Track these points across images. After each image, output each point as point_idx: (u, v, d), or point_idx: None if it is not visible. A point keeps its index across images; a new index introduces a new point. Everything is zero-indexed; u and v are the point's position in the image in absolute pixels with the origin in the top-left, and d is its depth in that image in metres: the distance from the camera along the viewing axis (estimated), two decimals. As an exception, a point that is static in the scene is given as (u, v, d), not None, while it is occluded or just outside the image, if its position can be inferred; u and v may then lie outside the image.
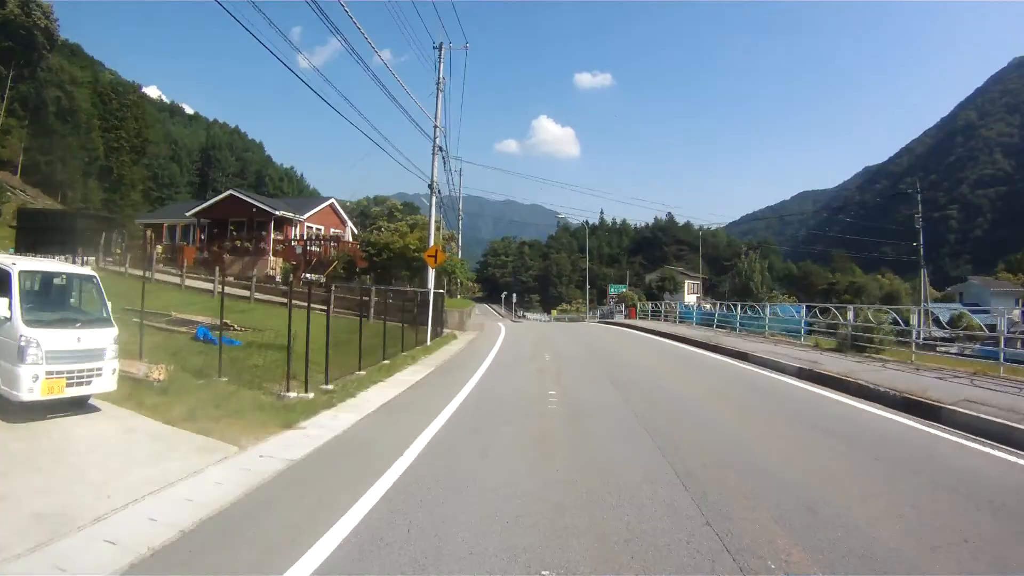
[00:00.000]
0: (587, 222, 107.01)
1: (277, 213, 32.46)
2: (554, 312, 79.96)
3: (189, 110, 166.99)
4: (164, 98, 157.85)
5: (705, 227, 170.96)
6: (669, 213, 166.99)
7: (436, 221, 29.43)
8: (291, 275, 27.75)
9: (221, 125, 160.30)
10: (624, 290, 57.02)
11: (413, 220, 59.36)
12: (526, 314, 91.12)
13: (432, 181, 25.77)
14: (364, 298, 16.97)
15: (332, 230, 37.65)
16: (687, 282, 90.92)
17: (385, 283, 28.14)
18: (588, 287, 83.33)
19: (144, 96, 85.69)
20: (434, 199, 27.29)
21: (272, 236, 31.98)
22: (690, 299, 68.83)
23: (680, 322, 34.24)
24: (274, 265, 29.97)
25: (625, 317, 44.42)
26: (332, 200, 39.90)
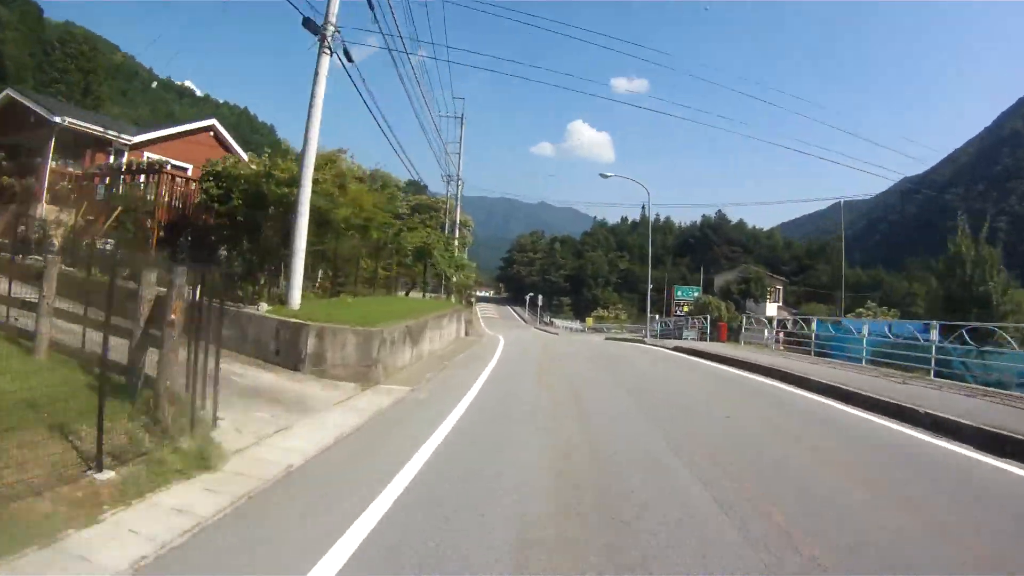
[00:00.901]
0: (645, 211, 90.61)
1: (60, 121, 17.25)
2: (589, 320, 63.84)
3: (198, 92, 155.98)
4: (173, 79, 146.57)
5: (758, 228, 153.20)
6: (719, 211, 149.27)
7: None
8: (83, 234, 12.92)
9: (231, 107, 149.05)
10: (696, 294, 40.41)
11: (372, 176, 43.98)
12: (554, 320, 75.11)
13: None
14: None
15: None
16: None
17: (264, 254, 13.02)
18: (641, 293, 67.65)
19: (98, 50, 71.51)
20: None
21: (50, 166, 16.86)
22: (771, 310, 51.96)
23: (819, 355, 18.44)
24: (53, 216, 14.90)
25: (703, 337, 27.99)
26: (213, 123, 24.66)
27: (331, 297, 16.72)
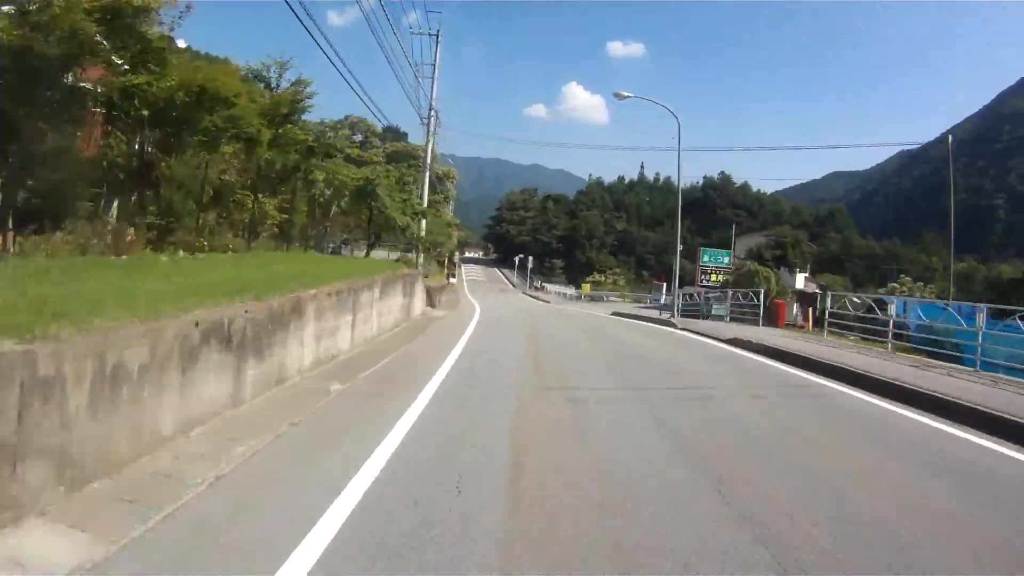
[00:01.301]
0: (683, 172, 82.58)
1: None
2: (585, 286, 56.09)
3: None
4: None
5: (763, 191, 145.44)
6: (722, 172, 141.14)
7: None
8: None
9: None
10: (726, 260, 32.64)
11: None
12: (545, 284, 67.60)
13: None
14: None
15: None
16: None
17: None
18: (638, 256, 59.90)
19: None
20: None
21: None
22: (799, 281, 44.71)
23: (936, 355, 11.20)
24: None
25: (751, 319, 20.21)
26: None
27: (151, 249, 9.06)
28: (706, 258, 31.12)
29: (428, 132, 31.40)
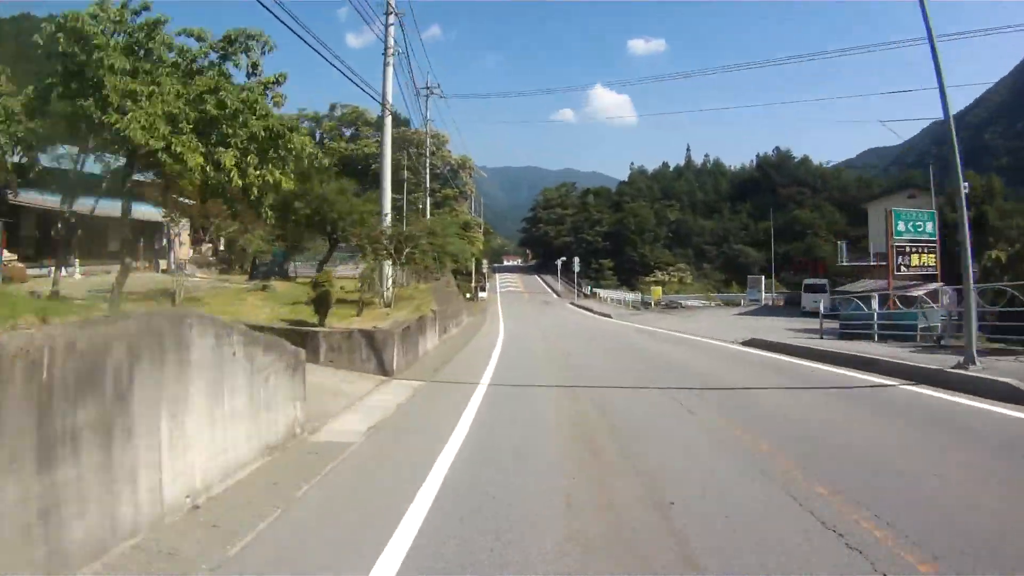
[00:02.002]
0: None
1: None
2: (656, 290, 42.75)
3: None
4: None
5: (824, 164, 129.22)
6: (777, 148, 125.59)
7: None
8: None
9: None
10: (930, 230, 19.09)
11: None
12: (596, 290, 54.93)
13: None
14: None
15: None
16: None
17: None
18: (696, 248, 46.31)
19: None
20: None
21: None
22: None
23: None
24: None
25: None
26: None
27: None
28: (901, 225, 17.91)
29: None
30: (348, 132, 43.32)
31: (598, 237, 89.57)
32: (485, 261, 55.12)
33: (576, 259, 51.58)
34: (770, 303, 39.01)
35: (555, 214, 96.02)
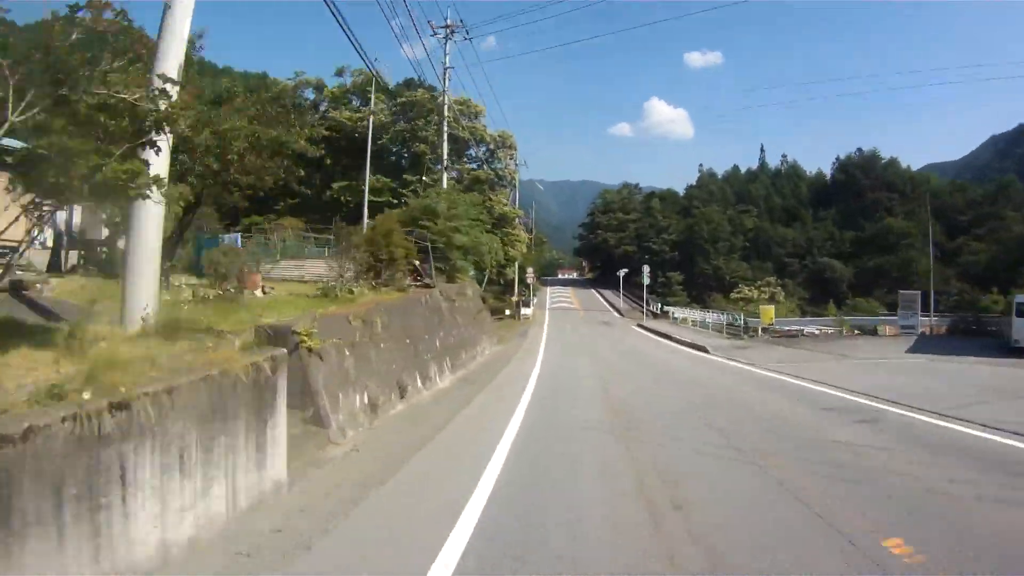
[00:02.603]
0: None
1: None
2: (767, 312, 31.32)
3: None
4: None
5: (910, 167, 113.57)
6: (859, 149, 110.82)
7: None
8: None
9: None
10: None
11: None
12: (668, 308, 44.05)
13: None
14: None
15: None
16: None
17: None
18: (776, 261, 34.78)
19: None
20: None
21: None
22: None
23: None
24: None
25: None
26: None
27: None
28: None
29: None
30: (357, 101, 34.23)
31: (665, 246, 78.35)
32: (531, 271, 45.20)
33: (646, 269, 40.87)
34: (927, 330, 27.47)
35: (616, 219, 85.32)
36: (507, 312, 44.11)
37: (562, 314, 47.30)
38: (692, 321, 38.28)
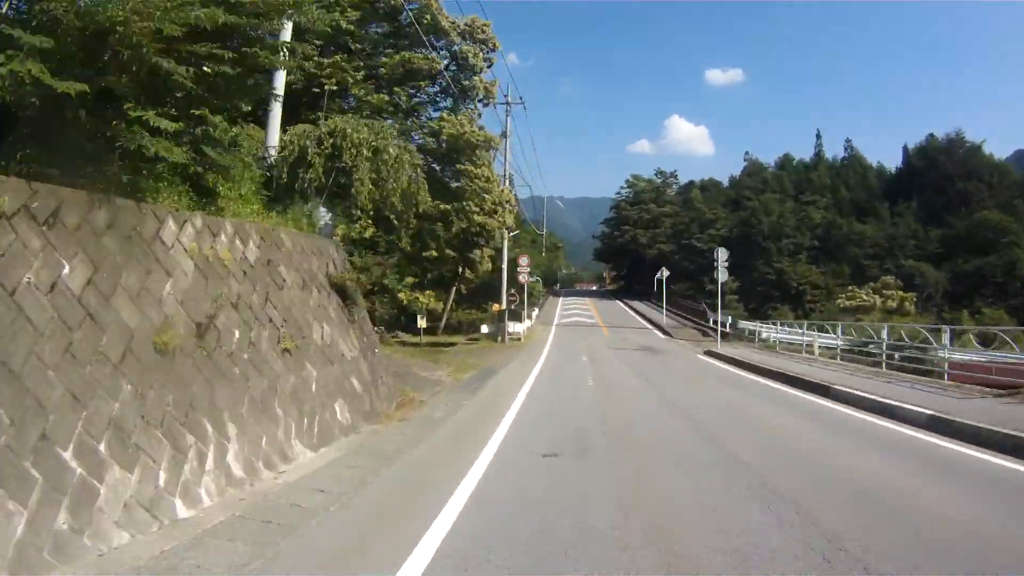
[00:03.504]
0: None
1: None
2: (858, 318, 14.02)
3: None
4: None
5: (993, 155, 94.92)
6: (930, 135, 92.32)
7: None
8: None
9: None
10: None
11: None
12: (748, 326, 26.97)
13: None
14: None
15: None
16: None
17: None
18: (852, 261, 22.02)
19: None
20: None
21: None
22: None
23: None
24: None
25: None
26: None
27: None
28: None
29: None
30: None
31: (713, 244, 61.22)
32: (525, 263, 28.76)
33: (721, 254, 23.99)
34: None
35: (648, 212, 68.24)
36: (484, 330, 27.71)
37: (574, 333, 30.81)
38: (799, 346, 21.68)
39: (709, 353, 22.56)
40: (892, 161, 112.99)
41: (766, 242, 59.95)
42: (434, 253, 18.91)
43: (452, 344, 26.94)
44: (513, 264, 30.02)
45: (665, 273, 36.26)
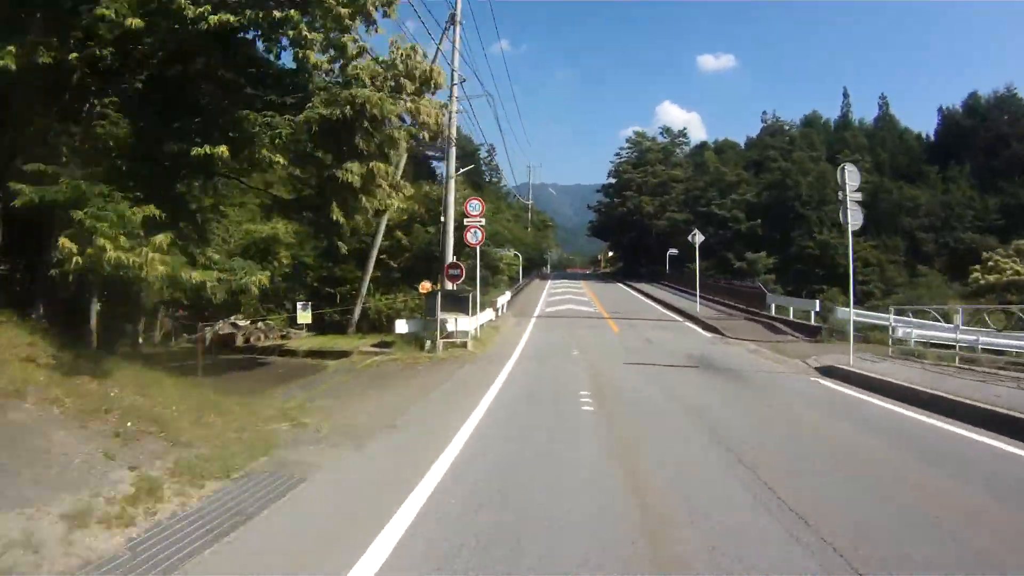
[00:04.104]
0: None
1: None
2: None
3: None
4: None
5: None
6: (972, 93, 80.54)
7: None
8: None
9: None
10: None
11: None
12: (868, 316, 14.96)
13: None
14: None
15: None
16: None
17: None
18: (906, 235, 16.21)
19: None
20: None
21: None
22: None
23: None
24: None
25: None
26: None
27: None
28: None
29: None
30: None
31: (738, 211, 49.77)
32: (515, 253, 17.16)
33: (852, 178, 12.87)
34: None
35: (656, 175, 56.22)
36: (402, 328, 16.17)
37: (565, 331, 19.27)
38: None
39: (830, 374, 11.29)
40: (920, 125, 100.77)
41: (804, 208, 48.52)
42: (223, 151, 7.68)
43: (338, 356, 15.74)
44: (461, 221, 18.40)
45: (699, 238, 24.77)
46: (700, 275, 26.51)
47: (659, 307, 29.01)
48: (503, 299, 24.92)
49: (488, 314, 19.57)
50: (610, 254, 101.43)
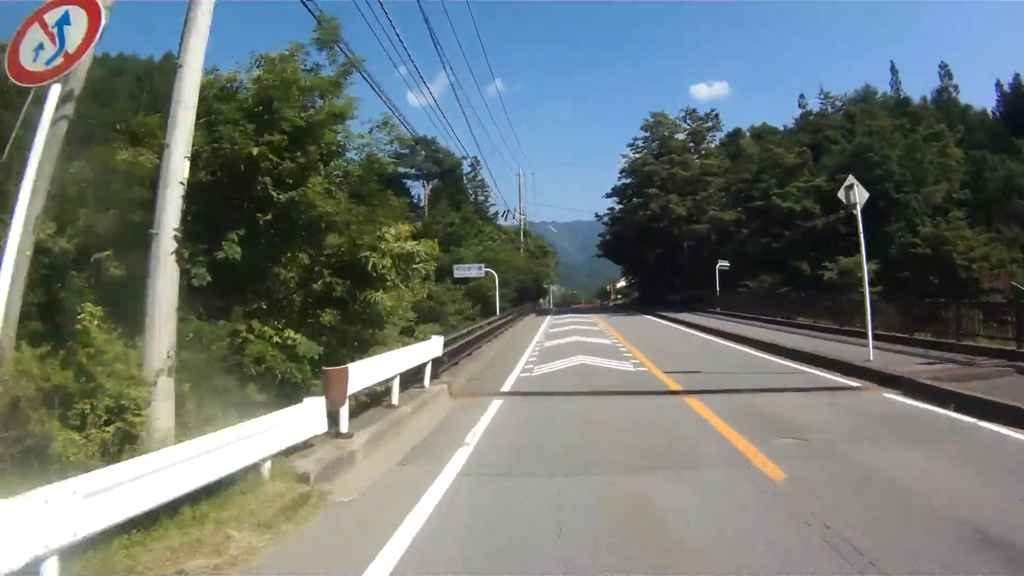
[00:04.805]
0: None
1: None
2: None
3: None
4: None
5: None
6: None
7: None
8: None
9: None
10: None
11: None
12: None
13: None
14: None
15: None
16: None
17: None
18: None
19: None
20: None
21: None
22: None
23: None
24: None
25: None
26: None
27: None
28: None
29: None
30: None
31: (808, 201, 35.86)
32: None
33: None
34: None
35: (686, 167, 41.93)
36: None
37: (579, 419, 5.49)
38: None
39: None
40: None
41: (900, 192, 34.96)
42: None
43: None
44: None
45: (860, 201, 11.07)
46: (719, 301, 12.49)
47: (778, 359, 14.61)
48: (416, 354, 10.66)
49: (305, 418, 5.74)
50: (620, 283, 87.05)
